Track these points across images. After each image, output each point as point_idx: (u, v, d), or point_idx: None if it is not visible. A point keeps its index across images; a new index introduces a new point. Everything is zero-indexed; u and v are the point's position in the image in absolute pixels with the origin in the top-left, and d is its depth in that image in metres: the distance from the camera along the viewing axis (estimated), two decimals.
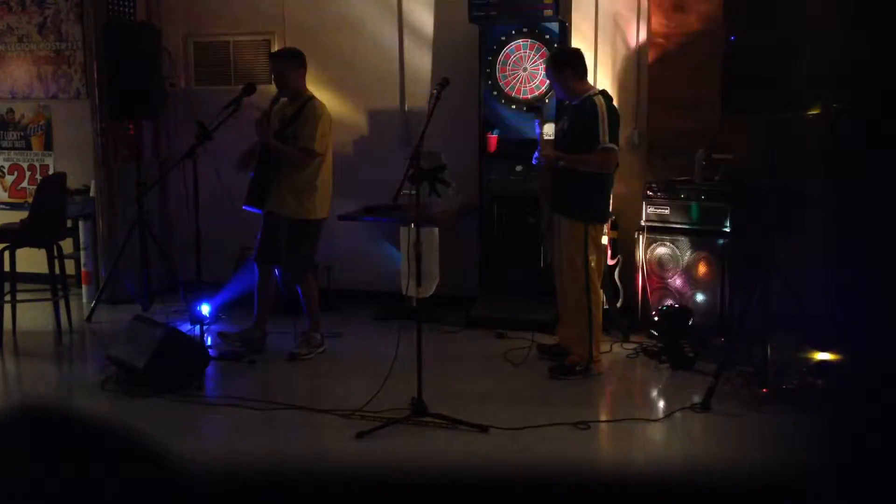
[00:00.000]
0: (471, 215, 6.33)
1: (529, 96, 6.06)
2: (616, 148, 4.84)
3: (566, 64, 4.95)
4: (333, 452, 4.06)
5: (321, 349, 5.47)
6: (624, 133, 6.16)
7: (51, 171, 7.32)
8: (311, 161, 5.21)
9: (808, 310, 4.65)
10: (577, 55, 5.03)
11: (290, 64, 5.31)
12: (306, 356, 5.36)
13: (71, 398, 4.96)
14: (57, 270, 5.96)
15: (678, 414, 4.43)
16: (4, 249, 5.76)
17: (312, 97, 5.33)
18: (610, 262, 5.94)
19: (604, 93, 4.93)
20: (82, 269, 7.02)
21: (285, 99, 5.36)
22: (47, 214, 5.86)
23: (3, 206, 7.63)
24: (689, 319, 5.31)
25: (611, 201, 5.14)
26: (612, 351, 5.51)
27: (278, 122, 5.30)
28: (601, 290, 5.07)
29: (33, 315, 6.13)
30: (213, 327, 5.94)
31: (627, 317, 5.89)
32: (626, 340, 5.65)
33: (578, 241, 4.87)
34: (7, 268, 5.80)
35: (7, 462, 0.81)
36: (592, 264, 4.93)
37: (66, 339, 5.89)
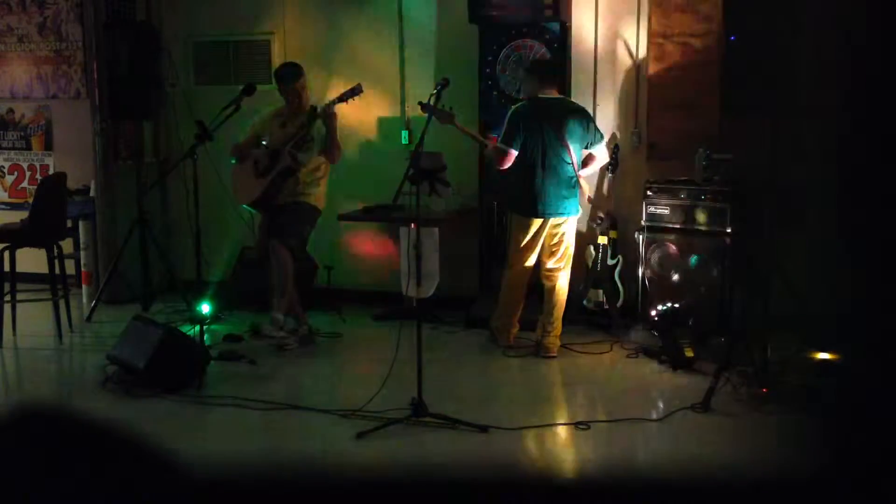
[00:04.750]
0: (471, 215, 6.34)
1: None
2: (502, 147, 5.23)
3: (532, 70, 5.46)
4: (333, 452, 4.06)
5: (282, 334, 5.54)
6: (624, 134, 6.18)
7: (51, 171, 7.32)
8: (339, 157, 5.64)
9: (808, 310, 4.66)
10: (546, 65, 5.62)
11: (302, 81, 5.57)
12: (286, 343, 5.49)
13: (71, 398, 4.96)
14: (57, 270, 5.96)
15: (678, 414, 4.43)
16: (4, 249, 5.76)
17: (315, 106, 5.56)
18: (610, 261, 5.95)
19: (531, 98, 5.33)
20: (82, 269, 7.01)
21: (277, 110, 5.63)
22: (47, 214, 5.86)
23: (3, 206, 7.63)
24: (689, 319, 5.31)
25: (537, 198, 5.25)
26: (612, 351, 5.52)
27: (284, 132, 5.52)
28: (509, 278, 5.45)
29: (33, 315, 6.12)
30: (213, 327, 5.95)
31: (627, 317, 5.89)
32: (627, 340, 5.66)
33: (508, 230, 5.47)
34: (7, 268, 5.80)
35: (7, 462, 0.81)
36: (512, 255, 5.39)
37: (66, 339, 5.89)
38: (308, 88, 5.63)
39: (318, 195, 5.63)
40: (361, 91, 5.38)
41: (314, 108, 5.48)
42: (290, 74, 5.55)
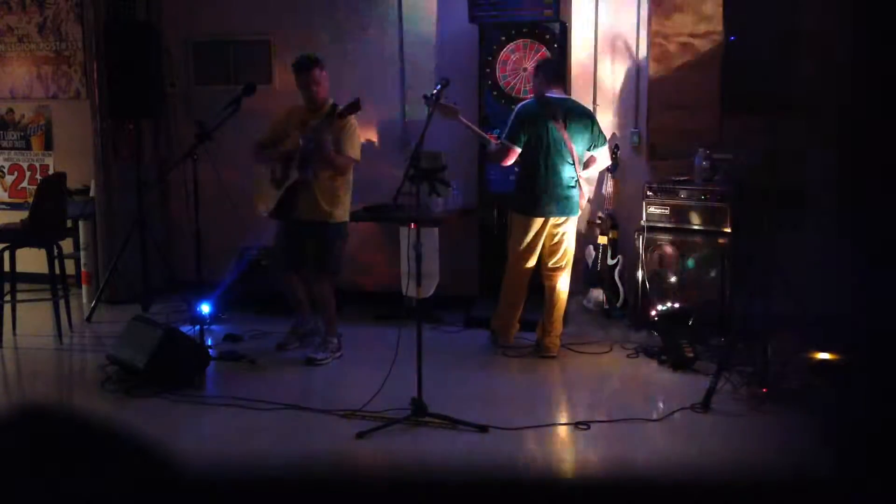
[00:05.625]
0: (471, 215, 6.34)
1: (530, 96, 6.06)
2: (506, 143, 5.23)
3: (538, 69, 5.42)
4: (333, 452, 4.06)
5: (339, 353, 5.43)
6: (624, 134, 6.18)
7: (51, 171, 7.32)
8: (351, 168, 5.32)
9: (808, 310, 4.66)
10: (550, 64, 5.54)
11: (323, 72, 5.28)
12: (323, 361, 5.32)
13: (71, 398, 4.96)
14: (57, 270, 5.96)
15: (678, 414, 4.43)
16: (4, 249, 5.76)
17: (335, 104, 5.27)
18: (610, 261, 5.95)
19: (537, 97, 5.32)
20: (82, 269, 7.01)
21: (299, 106, 5.38)
22: (47, 214, 5.86)
23: (3, 206, 7.63)
24: (689, 319, 5.31)
25: (539, 198, 5.23)
26: (612, 351, 5.52)
27: (307, 131, 5.22)
28: (510, 275, 5.44)
29: (33, 315, 6.13)
30: (213, 327, 5.95)
31: (627, 317, 5.89)
32: (627, 340, 5.66)
33: (509, 228, 5.45)
34: (7, 268, 5.80)
35: (7, 462, 0.81)
36: (513, 252, 5.36)
37: (66, 339, 5.89)
38: (325, 82, 5.28)
39: (342, 210, 5.32)
40: (360, 108, 5.14)
41: (334, 107, 5.22)
42: (303, 62, 5.28)
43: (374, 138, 6.75)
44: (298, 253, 5.39)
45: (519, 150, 5.22)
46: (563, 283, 5.40)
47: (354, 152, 5.26)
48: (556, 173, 5.23)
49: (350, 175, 5.37)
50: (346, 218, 5.41)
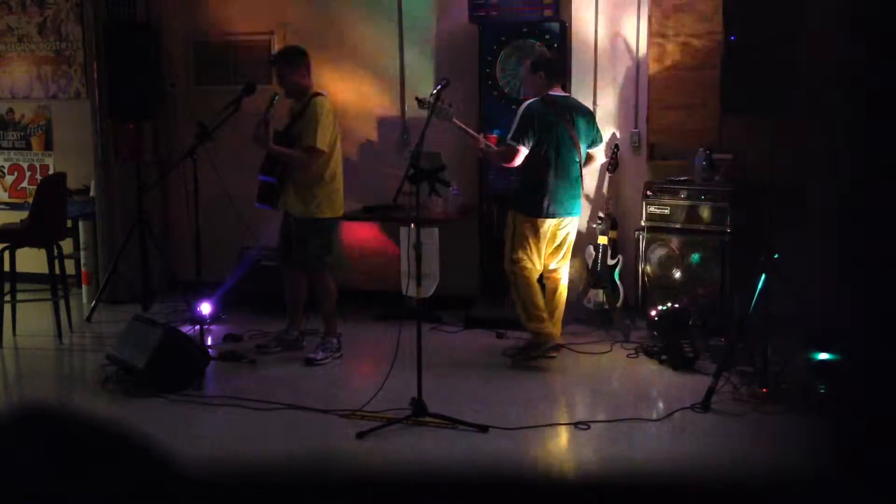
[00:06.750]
0: (471, 215, 6.34)
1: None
2: (513, 144, 5.10)
3: (538, 67, 5.28)
4: (333, 452, 4.06)
5: (338, 354, 5.41)
6: (624, 134, 6.18)
7: (51, 171, 7.32)
8: (314, 159, 5.18)
9: (808, 310, 4.65)
10: (552, 61, 5.39)
11: (286, 67, 5.25)
12: (322, 361, 5.31)
13: (71, 398, 4.96)
14: (57, 270, 5.96)
15: (678, 414, 4.43)
16: (4, 249, 5.76)
17: (315, 94, 5.28)
18: (610, 261, 5.94)
19: (541, 96, 5.18)
20: (82, 269, 7.02)
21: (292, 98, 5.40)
22: (47, 214, 5.86)
23: (3, 206, 7.63)
24: (689, 319, 5.31)
25: (550, 198, 5.15)
26: (612, 351, 5.52)
27: (288, 120, 5.32)
28: (524, 276, 5.24)
29: (33, 315, 6.13)
30: (213, 327, 5.95)
31: (627, 317, 5.89)
32: (626, 340, 5.66)
33: (509, 230, 5.26)
34: (7, 268, 5.80)
35: (7, 462, 0.81)
36: (519, 253, 5.18)
37: (66, 339, 5.89)
38: (297, 75, 5.24)
39: (315, 205, 5.24)
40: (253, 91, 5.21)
41: (310, 96, 5.24)
42: (274, 55, 5.34)
43: (374, 138, 6.75)
44: (287, 243, 5.44)
45: (526, 151, 5.11)
46: (564, 283, 5.38)
47: (311, 140, 5.11)
48: (565, 173, 5.15)
49: (329, 169, 5.25)
50: (324, 214, 5.28)
